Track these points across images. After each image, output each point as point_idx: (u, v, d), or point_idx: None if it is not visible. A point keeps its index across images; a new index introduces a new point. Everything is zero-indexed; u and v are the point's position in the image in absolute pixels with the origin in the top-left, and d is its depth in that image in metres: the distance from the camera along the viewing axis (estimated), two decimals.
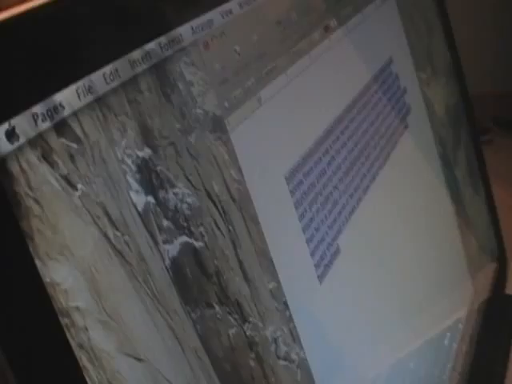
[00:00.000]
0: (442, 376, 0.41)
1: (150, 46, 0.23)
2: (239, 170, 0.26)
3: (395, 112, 0.39)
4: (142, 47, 0.23)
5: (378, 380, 0.34)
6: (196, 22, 0.26)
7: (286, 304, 0.27)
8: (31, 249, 0.18)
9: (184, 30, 0.25)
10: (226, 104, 0.26)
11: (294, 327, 0.27)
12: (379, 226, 0.36)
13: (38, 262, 0.18)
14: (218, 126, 0.26)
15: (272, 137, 0.29)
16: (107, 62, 0.21)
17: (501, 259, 0.54)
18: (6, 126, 0.18)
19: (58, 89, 0.20)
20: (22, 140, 0.18)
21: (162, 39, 0.24)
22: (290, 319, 0.27)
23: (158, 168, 0.23)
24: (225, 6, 0.27)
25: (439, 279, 0.43)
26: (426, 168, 0.42)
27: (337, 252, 0.31)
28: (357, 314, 0.32)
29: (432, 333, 0.41)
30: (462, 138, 0.49)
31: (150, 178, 0.22)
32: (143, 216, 0.22)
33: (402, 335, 0.37)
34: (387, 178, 0.37)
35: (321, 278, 0.30)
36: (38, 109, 0.19)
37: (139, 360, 0.21)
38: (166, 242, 0.22)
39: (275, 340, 0.26)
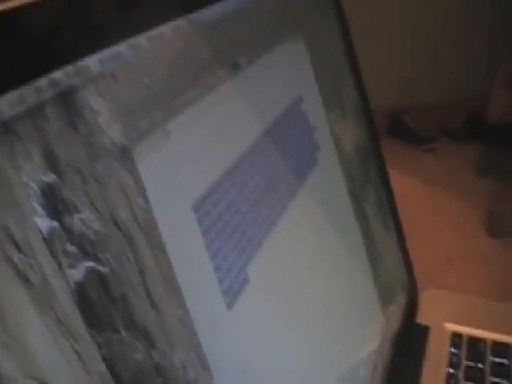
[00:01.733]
0: None
1: (57, 74, 0.24)
2: (146, 199, 0.27)
3: (304, 148, 0.42)
4: (48, 75, 0.24)
5: None
6: (104, 54, 0.27)
7: (194, 331, 0.28)
8: None
9: (91, 61, 0.26)
10: (134, 134, 0.28)
11: (203, 354, 0.28)
12: (289, 258, 0.38)
13: None
14: (124, 155, 0.27)
15: (179, 168, 0.30)
16: (12, 88, 0.22)
17: (411, 291, 0.57)
18: None
19: None
20: None
21: (69, 68, 0.25)
22: (199, 346, 0.28)
23: (63, 193, 0.24)
24: (133, 40, 0.29)
25: (350, 313, 0.45)
26: (335, 203, 0.45)
27: (246, 280, 0.32)
28: (267, 343, 0.34)
29: (345, 366, 0.43)
30: (371, 175, 0.52)
31: (55, 203, 0.23)
32: (48, 240, 0.22)
33: (313, 368, 0.39)
34: (296, 211, 0.39)
35: (229, 305, 0.31)
36: None
37: (43, 383, 0.21)
38: (70, 266, 0.23)
39: (184, 366, 0.27)
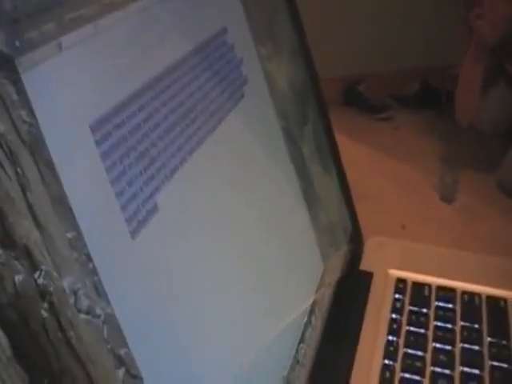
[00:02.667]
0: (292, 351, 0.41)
1: None
2: (31, 113, 0.25)
3: (229, 80, 0.40)
4: None
5: (200, 350, 0.34)
6: None
7: (88, 256, 0.26)
8: None
9: None
10: (17, 43, 0.26)
11: (99, 281, 0.27)
12: (207, 192, 0.36)
13: None
14: (5, 64, 0.25)
15: (75, 84, 0.28)
16: None
17: (355, 237, 0.56)
18: None
19: None
20: None
21: None
22: (94, 272, 0.27)
23: None
24: None
25: (282, 254, 0.43)
26: (264, 139, 0.43)
27: (154, 209, 0.31)
28: (174, 277, 0.32)
29: (280, 313, 0.42)
30: (310, 116, 0.51)
31: None
32: None
33: (234, 310, 0.37)
34: (218, 143, 0.37)
35: (134, 233, 0.29)
36: None
37: None
38: None
39: (74, 292, 0.26)
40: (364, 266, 0.54)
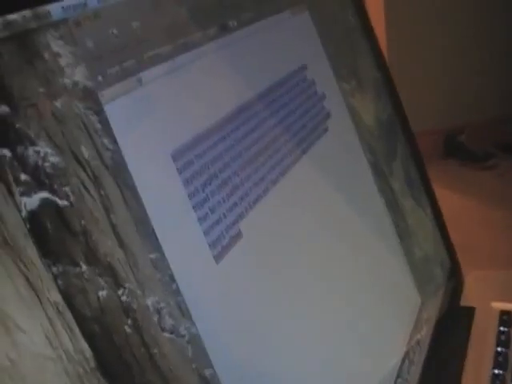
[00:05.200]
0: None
1: (13, 16, 0.25)
2: (114, 140, 0.27)
3: (311, 114, 0.41)
4: (4, 17, 0.25)
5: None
6: (68, 3, 0.28)
7: (171, 276, 0.27)
8: None
9: (53, 8, 0.27)
10: (100, 78, 0.28)
11: (183, 301, 0.27)
12: (292, 222, 0.36)
13: None
14: (88, 96, 0.27)
15: (156, 115, 0.30)
16: None
17: (454, 273, 0.54)
18: None
19: None
20: None
21: (27, 12, 0.26)
22: (178, 292, 0.27)
23: (17, 125, 0.24)
24: None
25: (372, 285, 0.43)
26: (351, 172, 0.43)
27: (238, 236, 0.31)
28: (257, 301, 0.32)
29: (365, 349, 0.41)
30: (398, 151, 0.50)
31: (7, 133, 0.23)
32: None
33: (318, 344, 0.37)
34: (302, 173, 0.38)
35: (217, 258, 0.30)
36: None
37: None
38: (23, 194, 0.23)
39: (158, 311, 0.26)
40: (465, 301, 0.52)
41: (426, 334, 0.45)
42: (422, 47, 1.73)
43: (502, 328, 0.48)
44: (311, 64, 0.42)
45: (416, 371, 0.42)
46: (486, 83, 1.84)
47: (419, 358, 0.43)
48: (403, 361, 0.41)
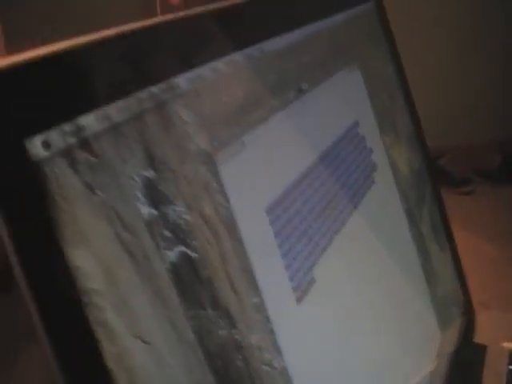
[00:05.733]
0: None
1: (154, 89, 0.29)
2: (226, 199, 0.32)
3: (362, 168, 0.45)
4: (148, 89, 0.29)
5: None
6: (190, 74, 0.32)
7: (268, 318, 0.32)
8: (60, 237, 0.23)
9: (181, 80, 0.31)
10: (215, 143, 0.32)
11: (275, 339, 0.32)
12: (351, 268, 0.41)
13: (65, 248, 0.23)
14: (208, 160, 0.31)
15: (254, 175, 0.34)
16: (121, 98, 0.27)
17: (468, 310, 0.59)
18: (42, 137, 0.23)
19: (82, 113, 0.25)
20: (54, 150, 0.23)
21: (163, 85, 0.30)
22: (272, 332, 0.32)
23: (160, 187, 0.28)
24: (214, 64, 0.34)
25: (407, 327, 0.48)
26: (392, 221, 0.48)
27: (312, 281, 0.36)
28: (331, 341, 0.37)
29: (402, 380, 0.46)
30: (427, 197, 0.56)
31: (153, 194, 0.27)
32: (148, 224, 0.27)
33: (370, 377, 0.42)
34: (357, 224, 0.42)
35: (298, 300, 0.34)
36: (66, 127, 0.24)
37: (145, 342, 0.25)
38: (166, 248, 0.27)
39: (259, 348, 0.31)
40: (478, 338, 0.57)
41: (442, 369, 0.50)
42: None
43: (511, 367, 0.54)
44: (362, 120, 0.47)
45: None
46: (467, 109, 1.89)
47: None
48: None
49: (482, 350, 0.56)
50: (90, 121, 0.25)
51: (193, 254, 0.29)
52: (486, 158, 1.82)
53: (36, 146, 0.23)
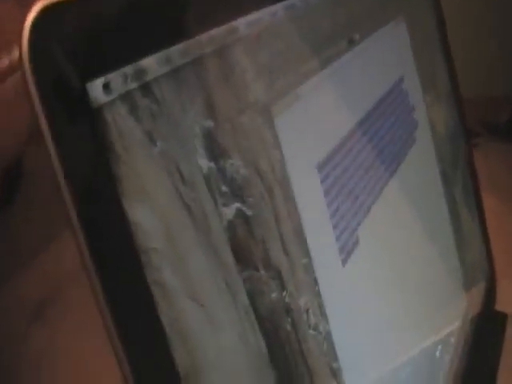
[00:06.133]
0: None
1: (214, 32, 0.27)
2: (281, 154, 0.30)
3: (406, 125, 0.43)
4: (208, 32, 0.26)
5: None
6: (250, 17, 0.29)
7: (315, 280, 0.30)
8: (119, 190, 0.21)
9: (240, 23, 0.29)
10: (272, 93, 0.30)
11: (322, 302, 0.31)
12: (390, 228, 0.40)
13: (124, 203, 0.21)
14: (265, 110, 0.29)
15: (307, 129, 0.32)
16: (182, 41, 0.25)
17: (491, 277, 0.58)
18: (103, 80, 0.21)
19: (144, 56, 0.23)
20: (115, 94, 0.21)
21: (224, 28, 0.27)
22: (319, 294, 0.30)
23: (219, 139, 0.26)
24: (272, 8, 0.31)
25: (437, 291, 0.47)
26: (429, 181, 0.47)
27: (357, 242, 0.34)
28: (370, 304, 0.36)
29: (427, 343, 0.45)
30: (460, 160, 0.54)
31: (212, 147, 0.26)
32: (207, 179, 0.25)
33: (402, 338, 0.41)
34: (398, 184, 0.41)
35: (344, 262, 0.33)
36: (128, 70, 0.22)
37: (201, 305, 0.23)
38: (224, 205, 0.26)
39: (307, 311, 0.30)
40: (498, 306, 0.57)
41: (465, 334, 0.50)
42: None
43: None
44: (406, 75, 0.45)
45: (453, 371, 0.46)
46: (478, 60, 1.86)
47: (458, 358, 0.47)
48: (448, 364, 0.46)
49: (503, 317, 0.55)
50: (151, 64, 0.23)
51: (248, 212, 0.27)
52: (495, 111, 1.79)
53: (97, 89, 0.21)
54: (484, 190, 1.51)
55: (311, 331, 0.30)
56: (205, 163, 0.25)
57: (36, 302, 0.38)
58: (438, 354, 0.46)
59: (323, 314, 0.31)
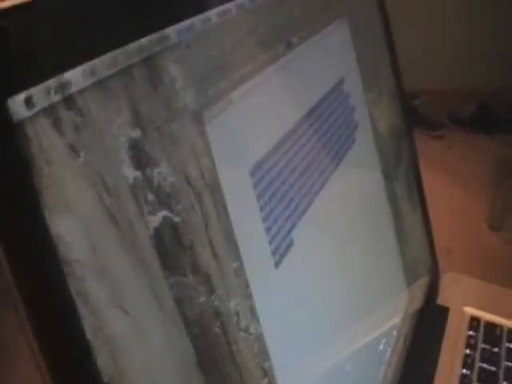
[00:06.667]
0: (376, 377, 0.46)
1: (144, 41, 0.27)
2: (212, 160, 0.30)
3: (345, 126, 0.45)
4: (138, 41, 0.27)
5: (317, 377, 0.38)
6: (180, 26, 0.30)
7: (247, 282, 0.31)
8: (42, 203, 0.21)
9: (171, 31, 0.29)
10: (203, 100, 0.31)
11: (254, 304, 0.32)
12: (328, 228, 0.41)
13: (47, 215, 0.22)
14: (196, 118, 0.30)
15: (239, 135, 0.33)
16: (107, 51, 0.25)
17: (433, 272, 0.60)
18: (25, 94, 0.21)
19: (68, 69, 0.23)
20: (38, 108, 0.22)
21: (154, 36, 0.28)
22: (250, 297, 0.32)
23: (146, 148, 0.27)
24: (205, 15, 0.32)
25: (377, 286, 0.48)
26: (370, 180, 0.48)
27: (291, 244, 0.36)
28: (306, 304, 0.37)
29: (370, 336, 0.46)
30: (403, 156, 0.55)
31: (139, 156, 0.26)
32: (133, 188, 0.26)
33: (342, 335, 0.42)
34: (336, 184, 0.42)
35: (277, 264, 0.34)
36: (51, 83, 0.23)
37: (125, 312, 0.24)
38: (150, 213, 0.26)
39: (237, 313, 0.31)
40: (440, 300, 0.58)
41: (407, 327, 0.52)
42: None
43: (471, 332, 0.55)
44: (347, 76, 0.46)
45: (397, 361, 0.48)
46: (447, 55, 1.88)
47: (401, 350, 0.49)
48: (390, 356, 0.47)
49: (444, 312, 0.57)
50: (75, 76, 0.24)
51: (176, 219, 0.28)
52: (461, 104, 1.83)
53: (18, 104, 0.21)
54: (448, 179, 1.54)
55: (242, 333, 0.31)
56: (131, 173, 0.26)
57: None
58: (380, 347, 0.48)
59: (255, 316, 0.32)
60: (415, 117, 1.88)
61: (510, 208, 1.32)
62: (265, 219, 0.34)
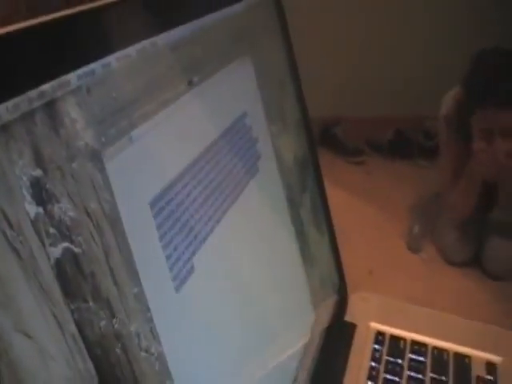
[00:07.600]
0: None
1: (45, 87, 0.31)
2: (112, 194, 0.34)
3: (247, 157, 0.49)
4: (38, 88, 0.31)
5: None
6: (81, 71, 0.34)
7: (147, 307, 0.35)
8: None
9: (71, 77, 0.33)
10: (103, 139, 0.34)
11: (154, 326, 0.35)
12: (230, 254, 0.45)
13: None
14: (95, 156, 0.34)
15: (140, 169, 0.37)
16: (10, 98, 0.29)
17: (341, 291, 0.65)
18: None
19: None
20: None
21: (54, 83, 0.32)
22: (151, 320, 0.35)
23: (47, 186, 0.30)
24: (105, 60, 0.36)
25: (282, 308, 0.52)
26: (273, 207, 0.52)
27: (192, 269, 0.39)
28: (208, 325, 0.41)
29: (276, 356, 0.50)
30: (308, 184, 0.60)
31: (41, 193, 0.30)
32: (34, 222, 0.29)
33: (246, 355, 0.46)
34: (238, 212, 0.46)
35: (177, 288, 0.38)
36: None
37: (29, 337, 0.28)
38: (51, 245, 0.30)
39: (138, 335, 0.34)
40: (348, 317, 0.63)
41: (316, 344, 0.56)
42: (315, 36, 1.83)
43: (376, 346, 0.60)
44: (250, 110, 0.50)
45: (305, 377, 0.52)
46: (366, 82, 1.98)
47: (310, 366, 0.53)
48: (297, 368, 0.52)
49: (351, 327, 0.62)
50: None
51: (77, 250, 0.31)
52: (379, 131, 1.93)
53: None
54: (367, 204, 1.62)
55: (143, 353, 0.34)
56: (32, 208, 0.29)
57: None
58: (287, 366, 0.52)
59: (156, 337, 0.35)
60: (335, 143, 1.97)
61: (426, 230, 1.41)
62: (165, 247, 0.37)
